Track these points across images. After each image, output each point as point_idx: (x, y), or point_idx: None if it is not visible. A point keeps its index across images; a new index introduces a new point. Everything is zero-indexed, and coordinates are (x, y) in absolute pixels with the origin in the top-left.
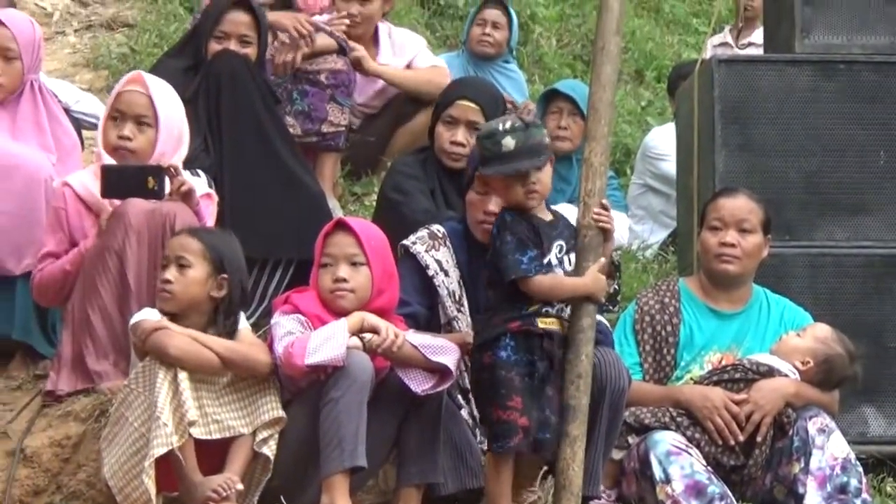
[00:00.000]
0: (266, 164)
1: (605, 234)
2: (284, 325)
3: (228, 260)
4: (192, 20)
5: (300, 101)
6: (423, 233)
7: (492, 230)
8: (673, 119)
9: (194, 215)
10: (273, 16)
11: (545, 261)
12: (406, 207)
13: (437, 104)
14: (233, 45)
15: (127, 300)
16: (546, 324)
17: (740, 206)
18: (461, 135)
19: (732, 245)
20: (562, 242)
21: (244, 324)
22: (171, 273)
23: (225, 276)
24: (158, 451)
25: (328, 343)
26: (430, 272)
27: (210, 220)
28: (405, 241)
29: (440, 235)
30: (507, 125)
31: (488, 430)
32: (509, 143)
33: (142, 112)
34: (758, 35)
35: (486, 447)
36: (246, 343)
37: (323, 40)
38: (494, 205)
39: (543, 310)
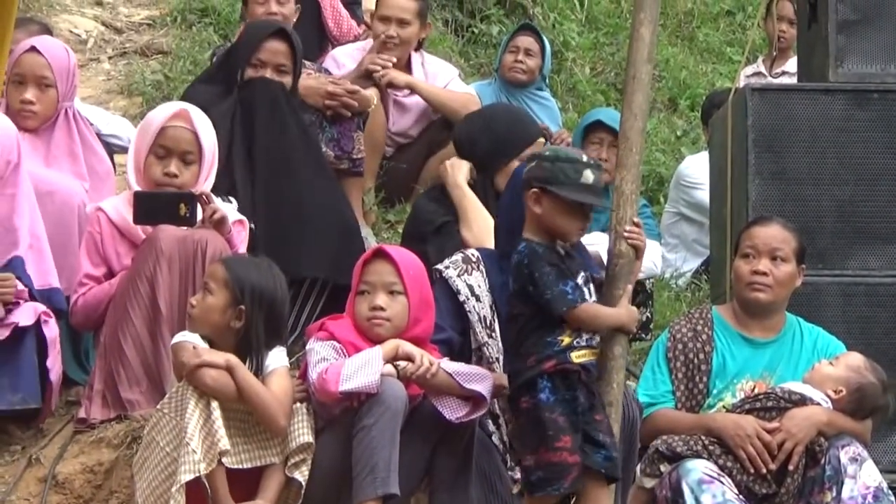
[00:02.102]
0: (301, 189)
1: (637, 251)
2: (319, 351)
3: (251, 292)
4: (214, 48)
5: (329, 129)
6: (457, 257)
7: (517, 260)
8: (706, 147)
9: (226, 242)
10: (302, 89)
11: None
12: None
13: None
14: (269, 73)
15: (159, 327)
16: (580, 357)
17: (773, 234)
18: None
19: (764, 273)
20: (584, 272)
21: (283, 362)
22: (196, 297)
23: (243, 307)
24: (185, 476)
25: (362, 370)
26: (462, 297)
27: (242, 246)
28: (439, 266)
29: (474, 260)
30: (587, 159)
31: (532, 474)
32: (589, 176)
33: (188, 149)
34: (792, 64)
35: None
36: (274, 397)
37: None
38: None
39: (575, 342)
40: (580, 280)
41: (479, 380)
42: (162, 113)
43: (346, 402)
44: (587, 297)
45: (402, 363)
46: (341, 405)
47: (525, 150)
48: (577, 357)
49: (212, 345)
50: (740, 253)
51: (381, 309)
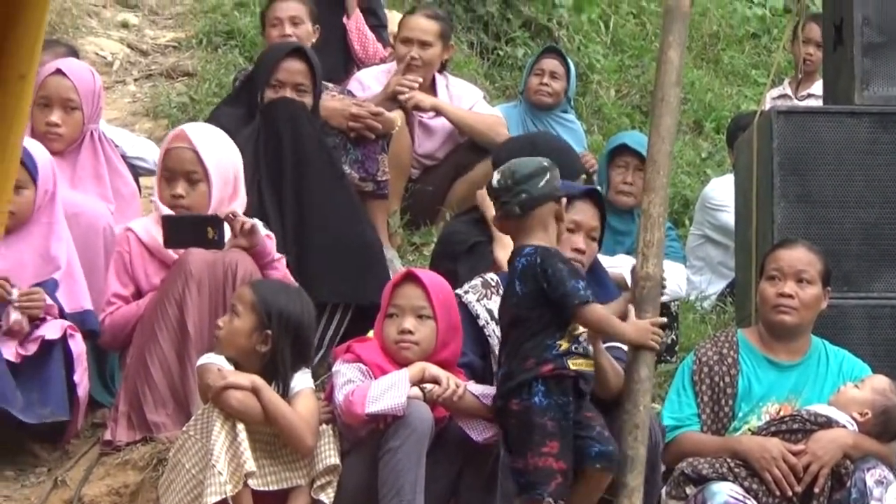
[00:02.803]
0: (327, 210)
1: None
2: (345, 373)
3: (279, 316)
4: (237, 71)
5: (353, 151)
6: (476, 282)
7: (528, 262)
8: (732, 170)
9: (255, 264)
10: (326, 111)
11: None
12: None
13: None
14: (288, 93)
15: (186, 350)
16: (577, 364)
17: (799, 256)
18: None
19: (790, 296)
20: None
21: (308, 383)
22: (223, 319)
23: (269, 331)
24: (212, 499)
25: (389, 392)
26: (481, 322)
27: (277, 255)
28: (458, 291)
29: (493, 284)
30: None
31: (520, 477)
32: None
33: (190, 168)
34: (818, 87)
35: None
36: (300, 418)
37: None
38: (583, 242)
39: (573, 348)
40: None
41: None
42: (168, 137)
43: (373, 424)
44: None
45: (428, 386)
46: (367, 427)
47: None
48: (574, 364)
49: (238, 367)
50: (766, 275)
51: (410, 332)
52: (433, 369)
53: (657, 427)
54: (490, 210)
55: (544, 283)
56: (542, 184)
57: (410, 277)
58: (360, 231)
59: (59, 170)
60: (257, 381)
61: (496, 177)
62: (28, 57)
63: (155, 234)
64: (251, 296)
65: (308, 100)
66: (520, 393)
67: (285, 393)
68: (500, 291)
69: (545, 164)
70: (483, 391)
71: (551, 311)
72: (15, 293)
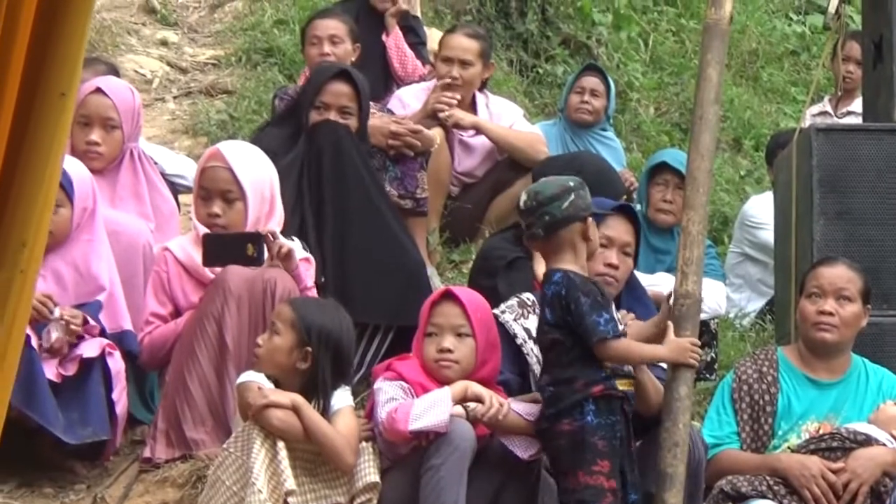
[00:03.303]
0: (370, 231)
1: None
2: (387, 391)
3: (318, 333)
4: (276, 89)
5: (393, 168)
6: (512, 301)
7: (555, 291)
8: (771, 187)
9: (294, 281)
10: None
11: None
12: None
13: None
14: (333, 116)
15: (225, 367)
16: (623, 385)
17: (839, 274)
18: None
19: (830, 314)
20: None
21: (348, 401)
22: (263, 337)
23: (309, 348)
24: None
25: (432, 410)
26: (519, 341)
27: (309, 280)
28: (495, 311)
29: (529, 304)
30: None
31: (570, 497)
32: None
33: (226, 187)
34: (857, 104)
35: None
36: (341, 435)
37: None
38: (616, 257)
39: (616, 369)
40: (614, 311)
41: None
42: (204, 156)
43: (415, 442)
44: (620, 328)
45: (471, 404)
46: (409, 444)
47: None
48: (621, 385)
49: (278, 385)
50: (806, 293)
51: (449, 351)
52: (476, 388)
53: (700, 444)
54: None
55: (568, 317)
56: (565, 205)
57: (448, 296)
58: (403, 252)
59: (99, 188)
60: (297, 399)
61: (523, 198)
62: (69, 75)
63: (192, 253)
64: (291, 313)
65: (353, 122)
66: (571, 413)
67: (325, 410)
68: (537, 310)
69: (570, 184)
70: (527, 409)
71: (582, 339)
72: (57, 311)
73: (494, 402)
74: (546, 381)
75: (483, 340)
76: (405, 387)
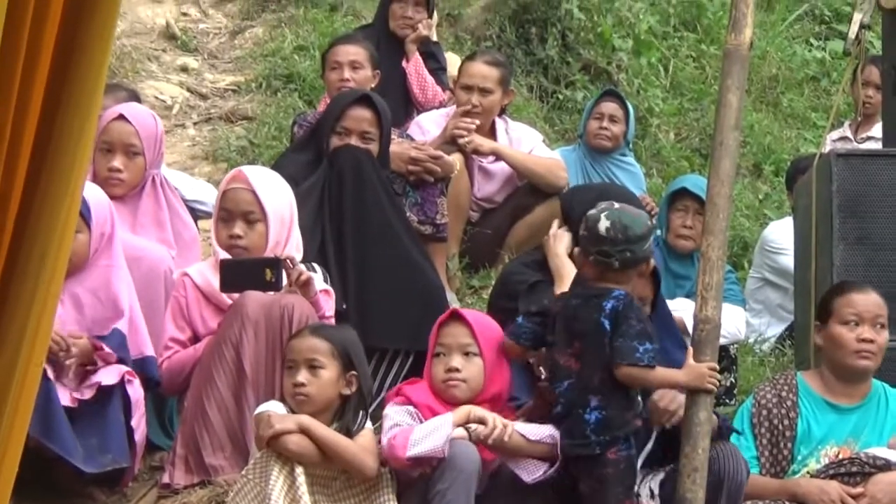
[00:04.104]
0: (390, 256)
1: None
2: (393, 416)
3: (356, 355)
4: (295, 115)
5: (413, 194)
6: None
7: (613, 306)
8: (791, 213)
9: (312, 307)
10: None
11: None
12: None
13: None
14: (354, 141)
15: (244, 392)
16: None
17: (876, 301)
18: None
19: (871, 341)
20: None
21: (368, 425)
22: (302, 376)
23: (354, 372)
24: None
25: (431, 436)
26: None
27: (329, 310)
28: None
29: None
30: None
31: None
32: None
33: (248, 209)
34: (877, 129)
35: None
36: (358, 444)
37: (447, 162)
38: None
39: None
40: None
41: (550, 438)
42: (225, 178)
43: (418, 468)
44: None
45: (473, 426)
46: (414, 470)
47: None
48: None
49: (315, 417)
50: (839, 319)
51: (457, 370)
52: (478, 411)
53: (743, 465)
54: (556, 251)
55: (611, 330)
56: (646, 246)
57: (455, 316)
58: (423, 278)
59: (120, 215)
60: (303, 420)
61: (605, 223)
62: (89, 99)
63: (210, 279)
64: (326, 344)
65: (374, 147)
66: (624, 441)
67: (352, 430)
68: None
69: (650, 224)
70: (531, 430)
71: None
72: (74, 348)
73: (498, 424)
74: (596, 403)
75: (491, 359)
76: (412, 411)
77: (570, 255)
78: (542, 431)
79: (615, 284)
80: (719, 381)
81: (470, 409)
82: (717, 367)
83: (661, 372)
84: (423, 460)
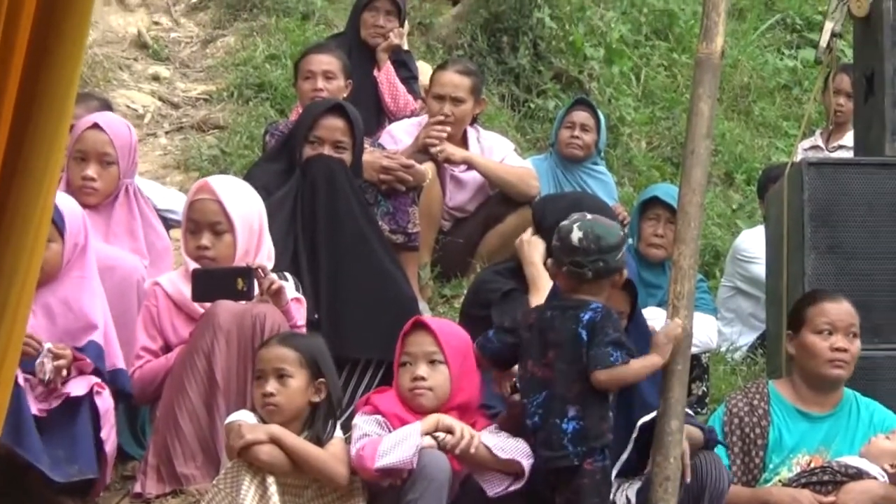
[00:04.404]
0: (362, 266)
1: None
2: (362, 426)
3: (324, 363)
4: (267, 124)
5: (384, 203)
6: None
7: (591, 317)
8: (763, 222)
9: (284, 316)
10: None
11: None
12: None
13: None
14: (326, 150)
15: (215, 401)
16: None
17: (848, 310)
18: None
19: (845, 350)
20: None
21: (338, 434)
22: (271, 386)
23: (322, 379)
24: None
25: (399, 447)
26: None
27: (301, 319)
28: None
29: None
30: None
31: None
32: None
33: (215, 219)
34: (849, 138)
35: None
36: (328, 453)
37: (419, 171)
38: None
39: None
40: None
41: (518, 453)
42: (192, 189)
43: (388, 479)
44: None
45: (441, 434)
46: (384, 481)
47: None
48: None
49: (286, 426)
50: (812, 328)
51: (423, 379)
52: (447, 420)
53: (725, 474)
54: (531, 259)
55: (588, 340)
56: (619, 255)
57: (419, 325)
58: (395, 287)
59: (93, 224)
60: (274, 430)
61: (577, 234)
62: (60, 108)
63: (182, 288)
64: (294, 353)
65: (347, 157)
66: (599, 452)
67: (323, 438)
68: None
69: (622, 234)
70: (496, 442)
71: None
72: (47, 345)
73: (465, 434)
74: (574, 413)
75: (457, 367)
76: (381, 420)
77: (545, 265)
78: (510, 446)
79: (589, 296)
80: (690, 389)
81: (438, 417)
82: (680, 324)
83: (636, 364)
84: (392, 471)
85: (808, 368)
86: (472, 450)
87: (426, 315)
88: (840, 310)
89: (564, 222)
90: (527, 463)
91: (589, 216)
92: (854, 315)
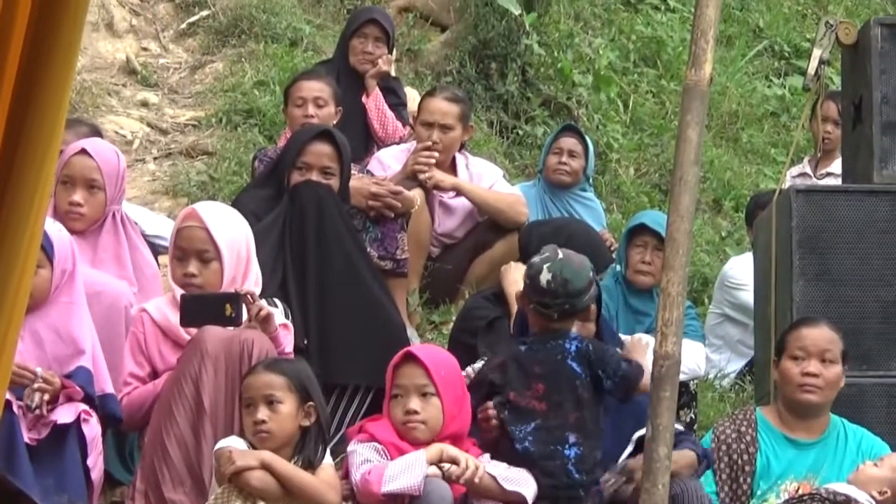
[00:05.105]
0: (351, 292)
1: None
2: (362, 452)
3: (311, 386)
4: (256, 150)
5: (373, 229)
6: (479, 364)
7: (582, 348)
8: (751, 248)
9: (272, 342)
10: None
11: None
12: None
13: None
14: (314, 176)
15: (203, 427)
16: None
17: (823, 335)
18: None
19: (815, 375)
20: None
21: (328, 460)
22: (262, 413)
23: (312, 403)
24: None
25: (406, 472)
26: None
27: (288, 346)
28: (468, 369)
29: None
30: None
31: None
32: None
33: (202, 247)
34: (837, 165)
35: None
36: (319, 479)
37: (407, 197)
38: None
39: None
40: None
41: (521, 483)
42: (179, 216)
43: None
44: None
45: (446, 465)
46: None
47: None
48: None
49: (277, 452)
50: (789, 354)
51: (416, 412)
52: (451, 450)
53: (706, 500)
54: (511, 288)
55: (599, 370)
56: (586, 298)
57: (410, 357)
58: (384, 313)
59: (80, 250)
60: (265, 456)
61: (546, 276)
62: (50, 132)
63: (169, 315)
64: (282, 378)
65: (335, 183)
66: (594, 482)
67: (314, 463)
68: None
69: (592, 275)
70: (500, 472)
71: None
72: (39, 370)
73: (470, 464)
74: (574, 440)
75: (449, 398)
76: (379, 448)
77: (516, 297)
78: (515, 476)
79: (560, 327)
80: (678, 416)
81: (443, 448)
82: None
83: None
84: (397, 496)
85: (785, 394)
86: (477, 480)
87: (415, 342)
88: (815, 335)
89: (535, 259)
90: (531, 494)
91: (560, 254)
92: (832, 340)
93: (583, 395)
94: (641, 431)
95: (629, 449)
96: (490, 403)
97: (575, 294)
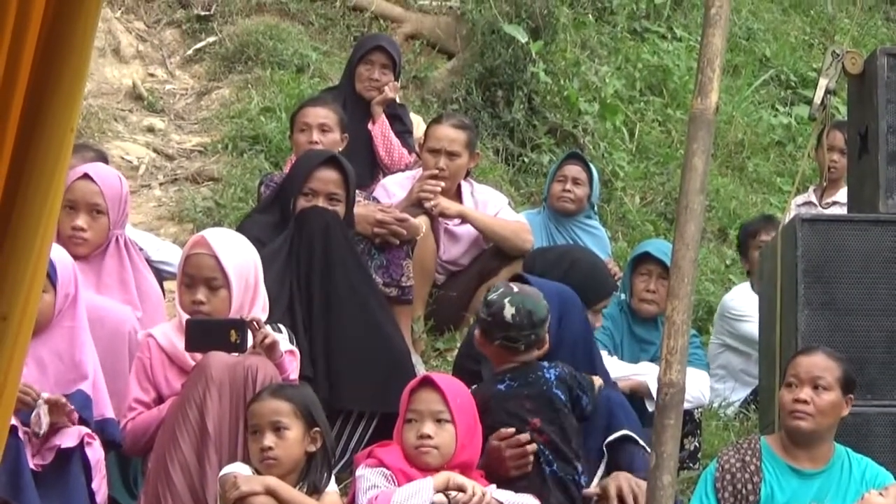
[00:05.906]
0: (356, 318)
1: None
2: (369, 478)
3: (316, 412)
4: (262, 176)
5: (378, 256)
6: None
7: (562, 374)
8: (747, 277)
9: (276, 369)
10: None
11: None
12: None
13: None
14: (320, 202)
15: (206, 452)
16: None
17: (815, 362)
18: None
19: (805, 402)
20: None
21: (333, 486)
22: (269, 440)
23: (318, 429)
24: None
25: (412, 499)
26: None
27: (293, 373)
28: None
29: None
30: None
31: None
32: None
33: (210, 275)
34: (842, 194)
35: None
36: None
37: (413, 224)
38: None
39: None
40: None
41: None
42: (188, 243)
43: None
44: None
45: (453, 493)
46: None
47: (598, 304)
48: None
49: (282, 478)
50: (785, 382)
51: (429, 437)
52: (458, 478)
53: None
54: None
55: (578, 390)
56: (547, 325)
57: (427, 382)
58: (388, 340)
59: (84, 275)
60: (270, 481)
61: (510, 310)
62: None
63: (175, 341)
64: (288, 405)
65: (341, 209)
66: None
67: (319, 488)
68: None
69: (547, 306)
70: (509, 498)
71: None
72: (45, 395)
73: (477, 492)
74: (581, 467)
75: (463, 426)
76: (387, 473)
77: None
78: (521, 501)
79: (524, 359)
80: (683, 444)
81: (449, 475)
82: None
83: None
84: None
85: (781, 422)
86: None
87: (419, 369)
88: (808, 362)
89: (493, 296)
90: None
91: (515, 289)
92: (826, 368)
93: (571, 420)
94: (611, 437)
95: (603, 465)
96: (525, 436)
97: (539, 324)
